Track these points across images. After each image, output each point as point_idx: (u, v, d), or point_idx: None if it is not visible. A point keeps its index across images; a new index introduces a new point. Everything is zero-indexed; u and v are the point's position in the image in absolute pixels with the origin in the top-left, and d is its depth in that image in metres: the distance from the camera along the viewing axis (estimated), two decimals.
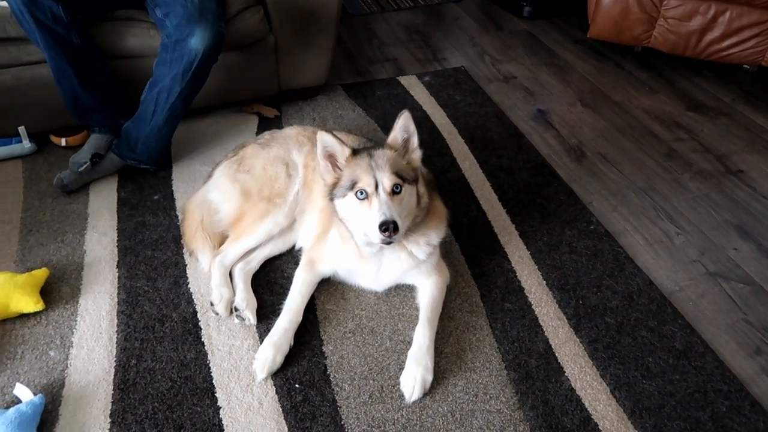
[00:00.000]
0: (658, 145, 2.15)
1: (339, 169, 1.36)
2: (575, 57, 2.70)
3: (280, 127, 2.14)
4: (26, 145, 1.94)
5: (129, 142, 1.84)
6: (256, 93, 2.20)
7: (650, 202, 1.88)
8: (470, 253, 1.66)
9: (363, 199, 1.29)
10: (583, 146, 2.14)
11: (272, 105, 2.24)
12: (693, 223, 1.80)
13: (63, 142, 2.00)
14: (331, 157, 1.36)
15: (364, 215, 1.29)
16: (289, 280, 1.50)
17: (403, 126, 1.37)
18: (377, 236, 1.26)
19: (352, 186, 1.30)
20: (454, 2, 3.17)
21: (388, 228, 1.23)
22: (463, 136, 2.14)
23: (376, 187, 1.28)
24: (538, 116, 2.27)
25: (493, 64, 2.63)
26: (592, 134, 2.20)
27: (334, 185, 1.35)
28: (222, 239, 1.59)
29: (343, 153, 1.34)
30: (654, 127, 2.24)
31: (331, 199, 1.37)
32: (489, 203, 1.84)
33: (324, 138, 1.33)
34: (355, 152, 1.35)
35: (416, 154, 1.39)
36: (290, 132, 1.76)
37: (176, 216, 1.75)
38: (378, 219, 1.24)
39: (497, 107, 2.31)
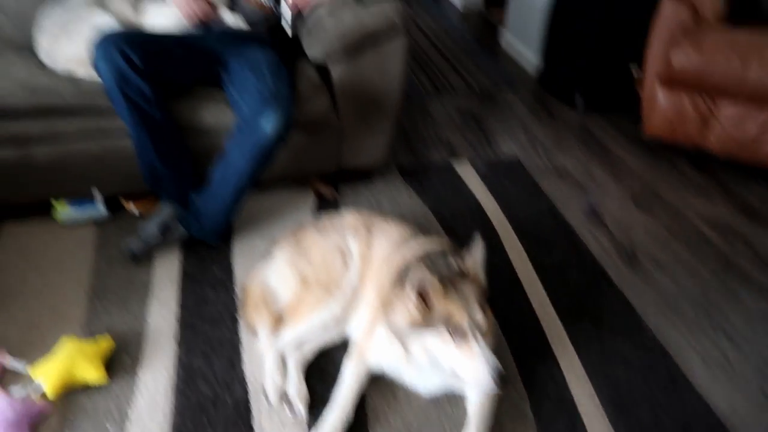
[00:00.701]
0: (714, 254, 2.13)
1: (426, 303, 1.32)
2: (628, 153, 2.73)
3: (337, 206, 2.22)
4: (100, 209, 2.05)
5: (196, 215, 1.92)
6: (316, 170, 2.29)
7: (706, 316, 1.86)
8: (520, 355, 1.66)
9: (457, 339, 1.29)
10: (636, 249, 2.14)
11: (330, 183, 2.32)
12: (751, 343, 1.77)
13: (134, 207, 2.10)
14: (421, 291, 1.32)
15: (459, 356, 1.29)
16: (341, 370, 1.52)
17: (481, 258, 1.39)
18: (485, 383, 1.25)
19: (445, 324, 1.29)
20: (509, 89, 3.26)
21: (505, 380, 1.25)
22: (515, 230, 2.16)
23: (472, 328, 1.28)
24: (590, 213, 2.28)
25: (546, 155, 2.68)
26: (645, 236, 2.20)
27: (421, 320, 1.31)
28: (280, 321, 1.63)
29: (434, 287, 1.31)
30: (709, 233, 2.23)
31: (409, 329, 1.34)
32: (540, 303, 1.85)
33: (422, 275, 1.30)
34: (443, 285, 1.32)
35: (483, 278, 1.42)
36: (348, 219, 1.81)
37: (235, 292, 1.81)
38: (488, 369, 1.24)
39: (550, 201, 2.34)
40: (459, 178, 2.45)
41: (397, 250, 1.60)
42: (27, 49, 2.08)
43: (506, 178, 2.47)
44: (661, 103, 2.56)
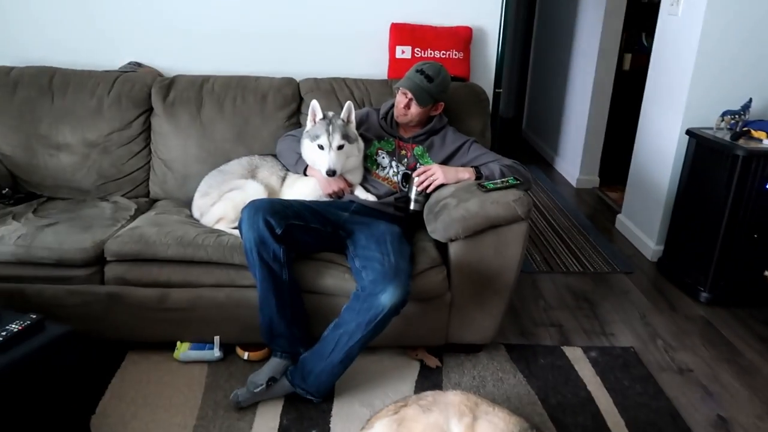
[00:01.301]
0: None
1: None
2: (761, 358, 2.49)
3: (440, 378, 2.19)
4: (216, 353, 2.17)
5: (303, 373, 1.97)
6: (422, 341, 2.29)
7: None
8: None
9: None
10: None
11: (435, 354, 2.31)
12: None
13: (246, 355, 2.20)
14: None
15: None
16: None
17: None
18: None
19: None
20: (625, 273, 3.18)
21: None
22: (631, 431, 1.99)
23: None
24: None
25: (665, 350, 2.52)
26: None
27: None
28: None
29: None
30: None
31: None
32: None
33: None
34: None
35: None
36: (453, 398, 1.76)
37: None
38: None
39: (670, 403, 2.15)
40: (569, 364, 2.34)
41: None
42: (185, 204, 2.39)
43: (621, 371, 2.33)
44: None
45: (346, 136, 2.19)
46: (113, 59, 2.83)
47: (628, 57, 4.45)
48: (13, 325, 1.57)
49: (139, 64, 2.83)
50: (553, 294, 2.94)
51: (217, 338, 2.17)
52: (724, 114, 2.88)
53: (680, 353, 2.50)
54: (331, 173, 2.15)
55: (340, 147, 2.18)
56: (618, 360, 2.40)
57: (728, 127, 2.85)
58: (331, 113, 2.23)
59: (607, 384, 2.23)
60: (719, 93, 2.98)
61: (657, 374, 2.33)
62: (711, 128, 2.92)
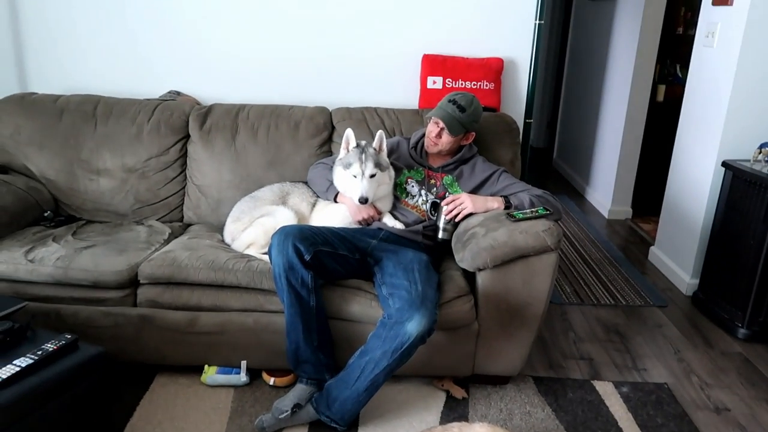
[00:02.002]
0: None
1: None
2: None
3: (466, 409, 2.16)
4: (243, 378, 2.18)
5: (328, 400, 1.97)
6: (448, 371, 2.27)
7: None
8: None
9: None
10: None
11: (461, 385, 2.28)
12: None
13: (272, 381, 2.21)
14: None
15: None
16: None
17: None
18: None
19: None
20: (658, 307, 3.10)
21: None
22: None
23: None
24: None
25: (701, 387, 2.43)
26: None
27: None
28: None
29: None
30: None
31: None
32: None
33: None
34: None
35: None
36: (479, 430, 1.73)
37: None
38: None
39: None
40: (600, 399, 2.28)
41: None
42: (217, 229, 2.44)
43: (654, 408, 2.26)
44: None
45: (378, 165, 2.22)
46: (155, 88, 2.94)
47: (661, 88, 4.42)
48: (49, 345, 1.62)
49: (178, 93, 2.93)
50: (583, 326, 2.88)
51: (243, 363, 2.18)
52: (761, 146, 2.82)
53: (716, 391, 2.41)
54: (364, 201, 2.18)
55: (373, 175, 2.20)
56: (651, 396, 2.33)
57: (766, 159, 2.79)
58: (363, 142, 2.27)
59: (639, 421, 2.17)
60: (756, 125, 2.93)
61: (692, 412, 2.25)
62: (748, 160, 2.86)
